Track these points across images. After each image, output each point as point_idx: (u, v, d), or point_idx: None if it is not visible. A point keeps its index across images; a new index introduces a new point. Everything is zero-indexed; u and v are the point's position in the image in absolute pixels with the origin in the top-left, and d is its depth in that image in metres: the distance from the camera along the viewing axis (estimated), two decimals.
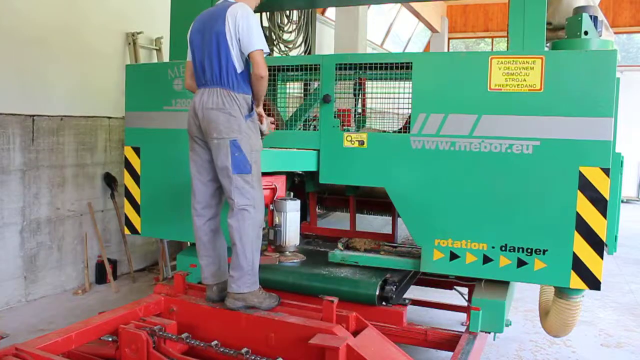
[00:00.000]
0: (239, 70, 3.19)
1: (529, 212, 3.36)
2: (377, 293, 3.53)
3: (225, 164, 3.17)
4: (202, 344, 3.09)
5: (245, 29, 3.14)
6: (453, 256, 3.54)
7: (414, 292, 4.53)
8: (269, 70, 4.04)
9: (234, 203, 3.19)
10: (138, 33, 6.45)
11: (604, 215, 3.21)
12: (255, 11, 3.67)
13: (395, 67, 3.74)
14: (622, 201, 11.13)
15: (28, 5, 5.27)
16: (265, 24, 5.39)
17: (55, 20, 5.54)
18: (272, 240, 4.04)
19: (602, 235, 3.22)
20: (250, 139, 3.21)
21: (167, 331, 3.17)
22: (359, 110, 4.67)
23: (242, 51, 3.18)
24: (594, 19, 3.43)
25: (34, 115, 5.37)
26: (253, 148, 3.23)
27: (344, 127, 4.01)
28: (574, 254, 3.27)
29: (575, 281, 3.29)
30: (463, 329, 3.98)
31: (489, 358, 4.39)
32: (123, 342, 3.10)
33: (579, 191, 3.24)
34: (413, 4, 13.07)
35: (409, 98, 3.64)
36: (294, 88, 4.92)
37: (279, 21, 5.52)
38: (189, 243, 4.79)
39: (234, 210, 3.20)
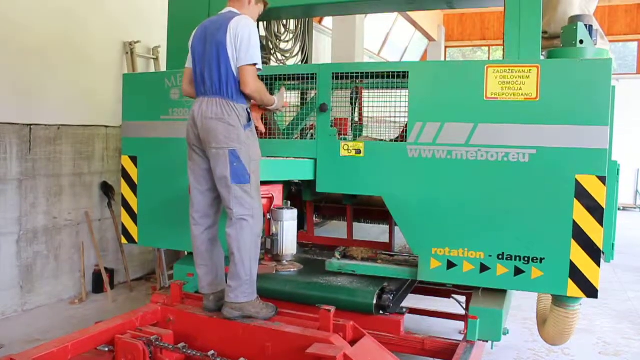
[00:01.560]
0: (239, 80, 3.19)
1: (525, 221, 3.36)
2: (375, 302, 3.52)
3: (224, 173, 3.16)
4: (198, 354, 3.08)
5: (243, 41, 3.14)
6: (450, 265, 3.54)
7: (412, 300, 4.52)
8: (267, 79, 4.09)
9: (233, 213, 3.19)
10: (135, 42, 6.46)
11: (601, 223, 3.21)
12: None
13: (392, 76, 3.75)
14: (619, 209, 11.16)
15: (25, 15, 5.28)
16: (263, 33, 5.40)
17: (52, 30, 5.55)
18: (269, 249, 4.03)
19: (599, 243, 3.23)
20: (249, 148, 3.22)
21: (164, 341, 3.16)
22: (356, 119, 4.68)
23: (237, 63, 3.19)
24: (589, 27, 3.45)
25: (30, 125, 5.37)
26: (252, 158, 3.23)
27: (341, 136, 4.01)
28: (571, 262, 3.28)
29: (573, 289, 3.29)
30: (461, 337, 3.98)
31: None
32: (119, 352, 3.09)
33: (575, 199, 3.25)
34: (410, 13, 13.12)
35: (405, 107, 3.65)
36: (291, 97, 4.93)
37: (276, 30, 5.53)
38: (186, 252, 4.78)
39: (233, 219, 3.20)
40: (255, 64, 3.19)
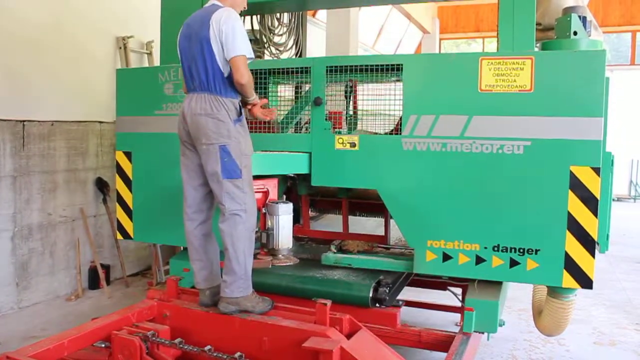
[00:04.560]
0: (225, 75, 3.18)
1: (520, 212, 3.37)
2: (371, 295, 3.53)
3: (215, 169, 3.15)
4: (195, 349, 3.08)
5: (228, 34, 3.11)
6: (446, 257, 3.54)
7: (408, 293, 4.54)
8: (261, 73, 4.07)
9: (225, 208, 3.18)
10: (129, 37, 6.43)
11: (595, 214, 3.22)
12: (245, 14, 3.65)
13: (386, 69, 3.74)
14: (614, 200, 11.19)
15: (19, 10, 5.24)
16: (256, 27, 5.37)
17: (45, 25, 5.52)
18: (264, 243, 4.03)
19: (594, 234, 3.24)
20: (239, 143, 3.20)
21: (160, 336, 3.16)
22: (351, 113, 4.67)
23: (225, 56, 3.16)
24: (583, 19, 3.45)
25: (24, 121, 5.34)
26: (243, 152, 3.22)
27: (336, 130, 4.01)
28: (566, 253, 3.29)
29: (568, 280, 3.30)
30: (457, 329, 3.99)
31: (483, 358, 4.40)
32: (116, 348, 3.08)
33: (570, 191, 3.25)
34: (404, 5, 13.09)
35: (400, 99, 3.64)
36: (286, 91, 4.92)
37: (270, 24, 5.50)
38: (182, 247, 4.78)
39: (225, 215, 3.19)
40: (244, 55, 3.16)
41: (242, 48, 3.14)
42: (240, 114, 3.25)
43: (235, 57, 3.13)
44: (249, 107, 3.40)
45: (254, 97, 3.35)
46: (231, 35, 3.11)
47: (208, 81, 3.17)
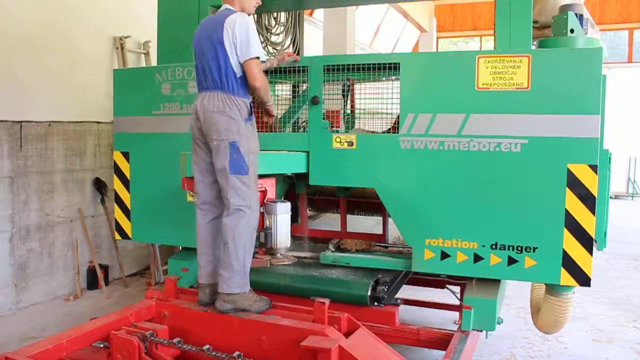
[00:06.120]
0: (238, 75, 3.27)
1: (518, 210, 3.37)
2: (369, 293, 3.53)
3: (224, 164, 3.23)
4: (194, 348, 3.08)
5: (242, 38, 3.22)
6: (444, 255, 3.55)
7: (406, 291, 4.54)
8: None
9: (230, 203, 3.25)
10: (126, 37, 6.43)
11: (593, 212, 3.23)
12: None
13: (383, 68, 3.75)
14: (612, 197, 11.20)
15: (15, 10, 5.23)
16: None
17: (42, 25, 5.51)
18: (263, 242, 4.02)
19: (591, 231, 3.24)
20: (248, 141, 3.29)
21: (159, 336, 3.16)
22: (348, 111, 4.67)
23: (239, 60, 3.26)
24: (580, 17, 3.45)
25: (21, 122, 5.33)
26: (250, 150, 3.30)
27: (333, 129, 4.01)
28: (563, 250, 3.29)
29: (566, 278, 3.31)
30: (455, 327, 3.99)
31: (482, 356, 4.40)
32: (115, 348, 3.08)
33: (567, 188, 3.26)
34: (401, 4, 13.09)
35: (397, 98, 3.65)
36: (283, 90, 4.92)
37: (267, 23, 5.50)
38: (180, 247, 4.78)
39: (230, 210, 3.26)
40: (258, 57, 3.25)
41: (255, 51, 3.25)
42: (251, 113, 3.35)
43: (249, 61, 3.24)
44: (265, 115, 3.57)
45: (271, 103, 3.47)
46: (245, 38, 3.23)
47: (221, 80, 3.26)
